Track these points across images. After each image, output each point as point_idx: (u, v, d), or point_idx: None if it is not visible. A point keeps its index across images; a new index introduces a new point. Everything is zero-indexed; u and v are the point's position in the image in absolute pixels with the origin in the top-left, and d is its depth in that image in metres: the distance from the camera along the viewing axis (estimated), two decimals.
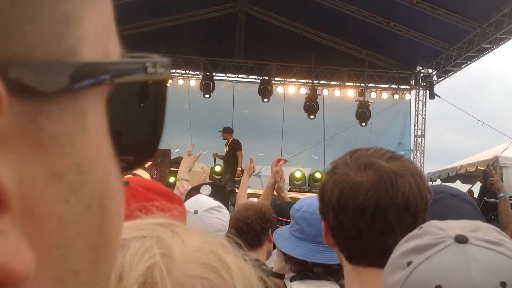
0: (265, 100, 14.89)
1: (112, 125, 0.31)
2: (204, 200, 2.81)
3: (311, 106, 14.76)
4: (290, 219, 3.35)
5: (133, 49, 0.33)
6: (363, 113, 14.74)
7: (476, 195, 8.94)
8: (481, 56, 13.68)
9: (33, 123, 0.26)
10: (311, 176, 13.50)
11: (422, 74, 15.96)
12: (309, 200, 2.17)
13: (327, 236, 1.36)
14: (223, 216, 2.78)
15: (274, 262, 3.25)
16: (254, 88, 15.30)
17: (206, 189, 3.51)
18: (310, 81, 15.36)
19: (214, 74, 15.12)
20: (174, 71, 14.50)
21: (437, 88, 15.48)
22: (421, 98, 16.17)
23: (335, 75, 15.66)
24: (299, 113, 14.93)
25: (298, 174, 13.45)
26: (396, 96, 15.85)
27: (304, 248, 2.08)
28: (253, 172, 4.81)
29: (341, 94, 15.73)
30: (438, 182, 13.10)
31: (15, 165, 0.25)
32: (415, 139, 16.10)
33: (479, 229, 1.02)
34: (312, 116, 14.89)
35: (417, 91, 16.24)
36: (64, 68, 0.26)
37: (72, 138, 0.27)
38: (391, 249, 1.27)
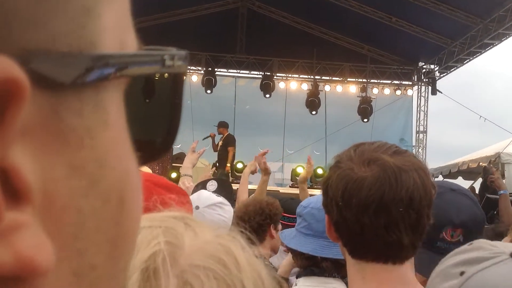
0: (267, 95, 14.89)
1: (129, 118, 0.31)
2: (206, 196, 2.81)
3: (313, 102, 14.75)
4: (293, 215, 3.36)
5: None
6: (365, 109, 14.73)
7: (478, 191, 8.93)
8: (483, 52, 13.65)
9: (55, 115, 0.26)
10: (313, 172, 13.49)
11: (424, 70, 15.94)
12: (316, 198, 2.19)
13: (331, 231, 1.36)
14: (225, 213, 2.78)
15: (277, 259, 3.25)
16: (256, 83, 15.29)
17: (212, 184, 3.52)
18: (312, 76, 15.34)
19: (216, 69, 15.12)
20: None
21: (439, 84, 15.47)
22: (423, 94, 16.15)
23: (337, 70, 15.65)
24: (301, 109, 14.92)
25: (300, 170, 13.43)
26: (398, 92, 15.83)
27: (313, 244, 2.09)
28: (256, 171, 4.78)
29: (343, 90, 15.72)
30: (440, 178, 13.09)
31: (36, 156, 0.25)
32: (417, 135, 16.09)
33: None
34: (314, 112, 14.88)
35: (419, 87, 16.22)
36: (85, 60, 0.26)
37: (92, 131, 0.27)
38: (394, 244, 1.27)
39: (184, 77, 0.35)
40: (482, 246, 1.03)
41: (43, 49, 0.25)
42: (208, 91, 14.83)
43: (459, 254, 1.04)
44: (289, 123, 15.32)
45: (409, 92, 16.20)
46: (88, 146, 0.27)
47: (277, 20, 14.70)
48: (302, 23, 14.74)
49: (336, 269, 2.07)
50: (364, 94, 15.16)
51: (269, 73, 15.05)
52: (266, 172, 4.48)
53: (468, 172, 12.74)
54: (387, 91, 15.84)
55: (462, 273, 0.99)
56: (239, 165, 12.32)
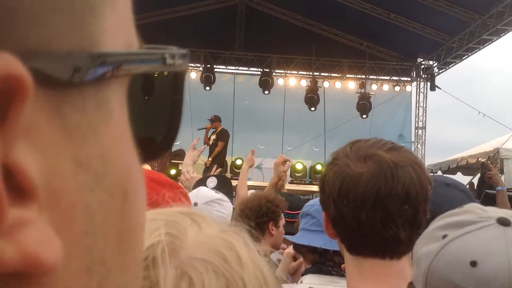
0: (266, 92, 14.87)
1: (131, 116, 0.31)
2: (205, 193, 2.82)
3: (312, 98, 14.74)
4: (292, 211, 3.37)
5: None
6: (364, 105, 14.72)
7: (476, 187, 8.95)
8: (482, 48, 13.64)
9: (58, 112, 0.26)
10: (312, 168, 13.51)
11: (423, 66, 15.92)
12: None
13: (328, 227, 1.37)
14: (224, 209, 2.78)
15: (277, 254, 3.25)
16: (255, 80, 15.27)
17: (212, 181, 3.53)
18: (311, 73, 15.33)
19: (214, 66, 15.10)
20: None
21: (438, 80, 15.47)
22: (422, 90, 16.14)
23: (335, 67, 15.64)
24: (300, 105, 14.91)
25: (299, 166, 13.46)
26: (397, 88, 15.81)
27: (323, 239, 2.09)
28: (253, 164, 4.86)
29: (342, 86, 15.71)
30: (439, 174, 13.11)
31: (41, 154, 0.25)
32: (416, 131, 16.10)
33: None
34: (313, 108, 14.87)
35: (418, 83, 16.21)
36: (87, 58, 0.27)
37: (96, 127, 0.28)
38: (391, 240, 1.28)
39: (185, 75, 0.35)
40: (471, 210, 1.01)
41: (46, 48, 0.25)
42: (207, 88, 14.81)
43: (447, 217, 1.03)
44: (288, 120, 15.31)
45: (408, 88, 16.20)
46: (92, 142, 0.28)
47: (275, 17, 14.67)
48: (301, 20, 14.71)
49: None
50: (363, 90, 15.15)
51: (268, 70, 15.02)
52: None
53: (467, 168, 12.76)
54: (386, 87, 15.82)
55: (444, 236, 0.98)
56: (238, 162, 12.32)
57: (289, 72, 15.69)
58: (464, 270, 0.93)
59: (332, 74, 15.75)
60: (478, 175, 9.24)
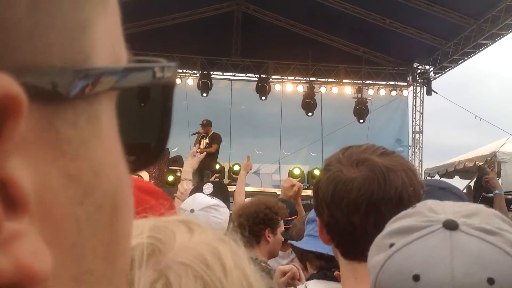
0: (263, 98, 14.89)
1: (121, 128, 0.32)
2: (201, 199, 2.82)
3: (308, 103, 14.77)
4: (291, 217, 3.36)
5: (131, 49, 0.34)
6: (361, 110, 14.75)
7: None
8: (477, 52, 13.69)
9: (51, 127, 0.27)
10: (310, 173, 13.54)
11: (419, 71, 15.96)
12: None
13: (322, 233, 1.37)
14: (220, 215, 2.78)
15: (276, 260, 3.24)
16: (252, 86, 15.30)
17: (208, 187, 3.53)
18: (308, 78, 15.36)
19: (211, 72, 15.11)
20: None
21: (434, 84, 15.50)
22: (418, 95, 16.17)
23: (332, 72, 15.67)
24: (297, 110, 14.94)
25: (296, 171, 13.48)
26: (394, 93, 15.86)
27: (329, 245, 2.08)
28: (250, 169, 4.90)
29: (339, 91, 15.74)
30: (437, 177, 13.12)
31: (33, 167, 0.26)
32: (413, 135, 16.11)
33: (477, 215, 0.91)
34: (310, 114, 14.90)
35: (415, 87, 16.25)
36: (79, 73, 0.27)
37: (87, 141, 0.29)
38: None
39: (174, 87, 0.36)
40: (420, 211, 0.93)
41: (39, 63, 0.26)
42: (204, 94, 14.82)
43: (397, 221, 0.96)
44: (285, 125, 15.33)
45: (405, 92, 16.23)
46: (83, 156, 0.28)
47: (272, 23, 14.70)
48: (297, 26, 14.75)
49: None
50: (359, 95, 15.18)
51: (264, 76, 15.05)
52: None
53: (464, 172, 12.77)
54: (382, 92, 15.86)
55: (391, 245, 0.91)
56: (236, 167, 12.32)
57: (286, 78, 15.72)
58: (407, 285, 0.86)
59: (329, 80, 15.78)
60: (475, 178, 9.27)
